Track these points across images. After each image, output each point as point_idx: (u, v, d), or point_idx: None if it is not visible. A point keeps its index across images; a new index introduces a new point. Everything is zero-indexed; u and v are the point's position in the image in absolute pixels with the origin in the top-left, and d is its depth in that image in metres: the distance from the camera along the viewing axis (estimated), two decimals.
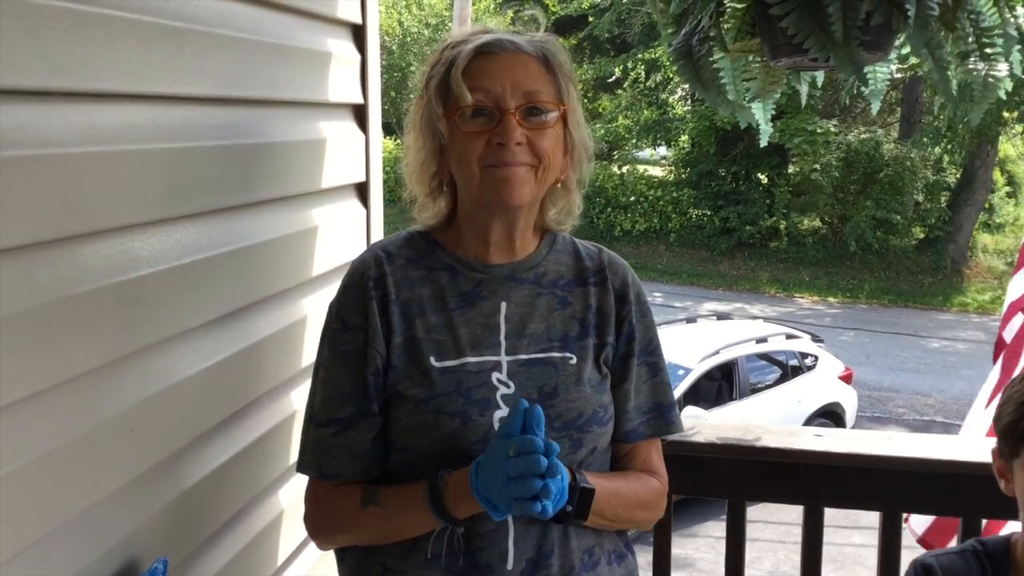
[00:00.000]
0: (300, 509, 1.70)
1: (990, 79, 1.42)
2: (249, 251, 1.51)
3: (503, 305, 1.31)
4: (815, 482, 1.81)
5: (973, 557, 1.42)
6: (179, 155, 1.32)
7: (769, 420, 8.04)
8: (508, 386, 1.27)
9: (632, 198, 18.53)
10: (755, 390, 8.66)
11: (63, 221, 1.08)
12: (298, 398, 1.71)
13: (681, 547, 6.71)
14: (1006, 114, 14.94)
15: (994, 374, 3.11)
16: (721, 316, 11.15)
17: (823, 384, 9.04)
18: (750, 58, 1.57)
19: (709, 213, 18.13)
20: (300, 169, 1.71)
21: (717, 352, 8.40)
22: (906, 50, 1.49)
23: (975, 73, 1.42)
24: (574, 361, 1.31)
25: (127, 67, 1.18)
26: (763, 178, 18.51)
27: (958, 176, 18.06)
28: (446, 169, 1.32)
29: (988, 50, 1.42)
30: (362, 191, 2.01)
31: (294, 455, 1.70)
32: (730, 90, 1.59)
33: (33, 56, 1.02)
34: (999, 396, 1.43)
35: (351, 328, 1.31)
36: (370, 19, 1.98)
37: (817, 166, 16.73)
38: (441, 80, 1.29)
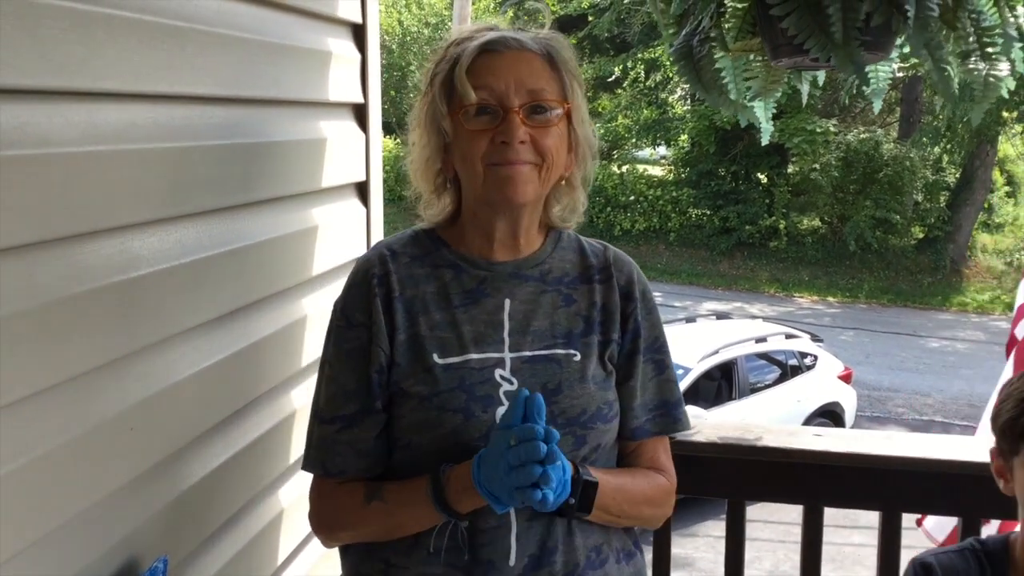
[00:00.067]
0: (300, 508, 1.70)
1: (991, 78, 1.42)
2: (249, 250, 1.51)
3: (507, 302, 1.32)
4: (815, 482, 1.81)
5: (972, 556, 1.42)
6: (180, 154, 1.32)
7: (768, 420, 8.04)
8: (511, 383, 1.27)
9: (632, 197, 18.54)
10: (754, 390, 8.66)
11: (63, 220, 1.08)
12: (298, 397, 1.71)
13: (681, 546, 6.72)
14: (1005, 114, 14.94)
15: (1007, 373, 3.11)
16: (720, 316, 11.16)
17: (822, 384, 9.04)
18: (751, 57, 1.57)
19: (708, 213, 18.13)
20: (300, 168, 1.71)
21: (716, 352, 8.40)
22: (907, 49, 1.49)
23: (976, 73, 1.43)
24: (578, 358, 1.31)
25: (128, 66, 1.18)
26: (763, 178, 18.51)
27: (957, 176, 18.06)
28: (450, 166, 1.32)
29: (989, 49, 1.42)
30: (362, 190, 2.01)
31: (294, 454, 1.71)
32: (731, 89, 1.59)
33: (34, 55, 1.02)
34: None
35: (355, 326, 1.31)
36: (370, 18, 1.98)
37: (816, 166, 16.73)
38: (445, 77, 1.29)
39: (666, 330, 1.43)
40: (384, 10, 20.50)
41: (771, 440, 1.80)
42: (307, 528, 1.76)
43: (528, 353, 1.29)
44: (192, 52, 1.32)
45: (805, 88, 1.68)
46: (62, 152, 1.07)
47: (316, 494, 1.35)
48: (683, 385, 7.84)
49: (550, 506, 1.15)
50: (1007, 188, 20.45)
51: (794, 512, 1.95)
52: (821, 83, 1.71)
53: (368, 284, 1.31)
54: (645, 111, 19.24)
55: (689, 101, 19.15)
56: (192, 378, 1.35)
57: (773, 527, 6.66)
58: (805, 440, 1.82)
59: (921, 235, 17.66)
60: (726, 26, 1.53)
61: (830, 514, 1.84)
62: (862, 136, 17.29)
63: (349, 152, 1.93)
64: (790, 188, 17.88)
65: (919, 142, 16.99)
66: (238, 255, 1.48)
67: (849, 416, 9.16)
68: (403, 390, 1.28)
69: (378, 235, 2.06)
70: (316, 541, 1.80)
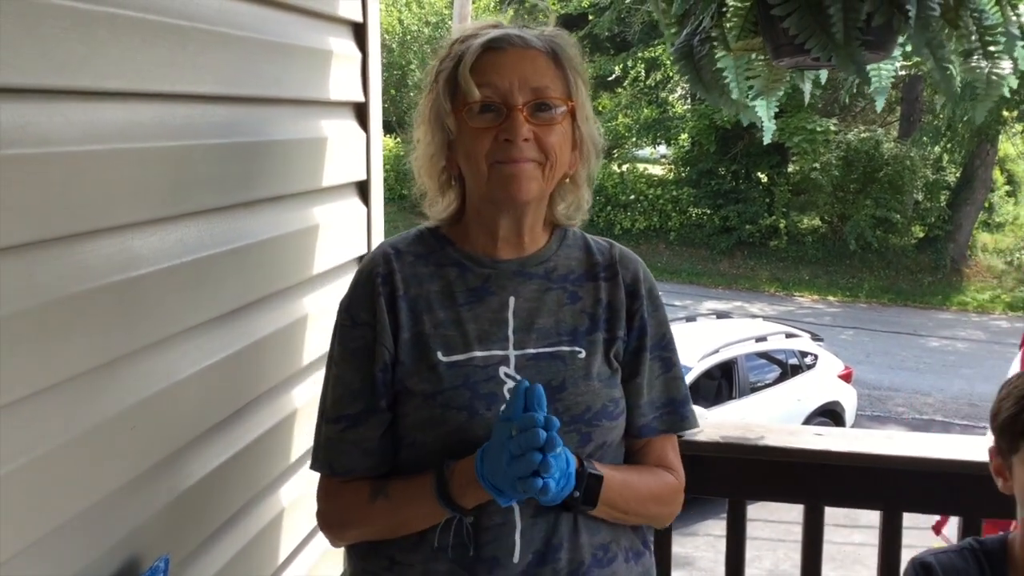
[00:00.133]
0: (301, 508, 1.70)
1: (993, 77, 1.42)
2: (250, 249, 1.51)
3: (511, 300, 1.32)
4: (815, 481, 1.81)
5: (971, 555, 1.42)
6: (181, 153, 1.31)
7: (769, 419, 8.03)
8: (516, 380, 1.27)
9: (632, 196, 18.52)
10: (755, 389, 8.65)
11: (64, 220, 1.08)
12: (299, 396, 1.71)
13: (681, 545, 6.72)
14: (1006, 113, 14.93)
15: (1015, 367, 3.11)
16: (721, 315, 11.15)
17: (823, 383, 9.04)
18: (753, 56, 1.57)
19: (709, 212, 18.12)
20: (301, 167, 1.71)
21: (717, 351, 8.39)
22: (909, 48, 1.49)
23: (978, 71, 1.43)
24: (583, 355, 1.31)
25: (129, 65, 1.18)
26: (763, 177, 18.50)
27: (958, 175, 18.05)
28: (455, 163, 1.33)
29: (991, 48, 1.42)
30: (363, 189, 2.01)
31: (295, 454, 1.71)
32: (733, 89, 1.59)
33: (35, 54, 1.02)
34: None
35: (360, 325, 1.31)
36: (371, 17, 1.98)
37: (817, 165, 16.72)
38: (449, 75, 1.29)
39: None
40: (384, 9, 20.49)
41: (772, 439, 1.80)
42: (308, 527, 1.77)
43: (532, 351, 1.29)
44: (193, 51, 1.32)
45: (807, 87, 1.68)
46: (63, 151, 1.07)
47: (323, 493, 1.35)
48: None
49: (551, 495, 1.14)
50: (1007, 187, 20.44)
51: (795, 511, 1.94)
52: (824, 82, 1.71)
53: (372, 283, 1.31)
54: (645, 110, 19.24)
55: (689, 100, 19.14)
56: (193, 377, 1.35)
57: (774, 526, 6.66)
58: (806, 439, 1.82)
59: (921, 234, 17.65)
60: (727, 25, 1.53)
61: (830, 513, 1.84)
62: (862, 135, 17.28)
63: (350, 151, 1.93)
64: (790, 187, 17.87)
65: (919, 141, 16.97)
66: (239, 254, 1.48)
67: (849, 415, 9.15)
68: (407, 388, 1.28)
69: (379, 234, 2.06)
70: (317, 540, 1.80)
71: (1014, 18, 1.44)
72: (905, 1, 1.34)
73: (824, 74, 1.68)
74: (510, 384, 1.27)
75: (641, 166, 19.86)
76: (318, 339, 1.73)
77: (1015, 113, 15.15)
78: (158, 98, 1.27)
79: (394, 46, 20.74)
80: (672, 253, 17.94)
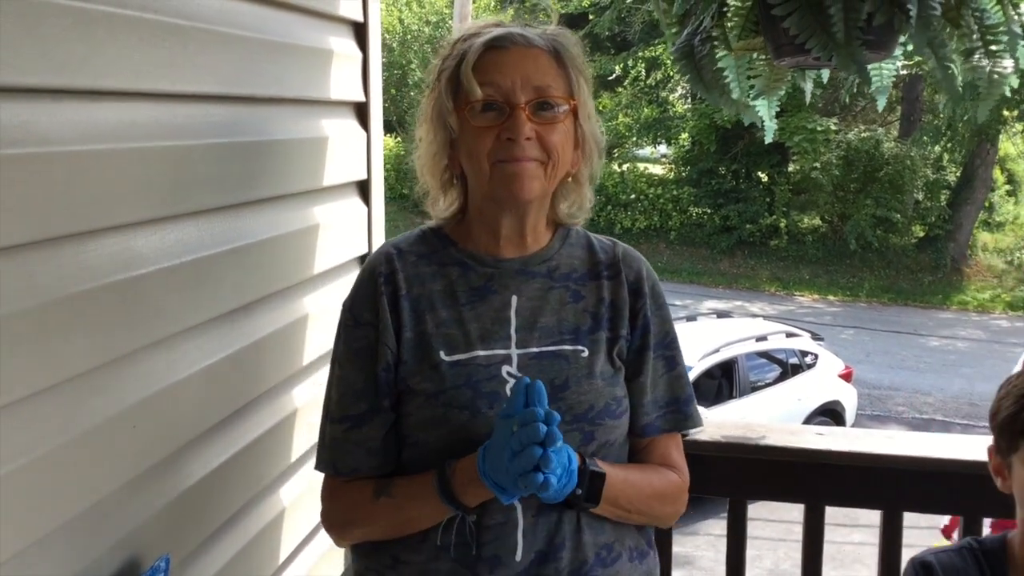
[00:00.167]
0: (301, 507, 1.70)
1: (995, 76, 1.42)
2: (250, 249, 1.51)
3: (514, 299, 1.32)
4: (816, 481, 1.80)
5: (970, 555, 1.42)
6: (181, 153, 1.31)
7: (769, 418, 8.03)
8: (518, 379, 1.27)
9: (632, 196, 18.53)
10: (755, 388, 8.65)
11: (64, 219, 1.08)
12: (300, 396, 1.71)
13: (681, 545, 6.72)
14: (1006, 112, 14.93)
15: (1020, 364, 3.12)
16: (721, 314, 11.16)
17: (823, 382, 9.04)
18: (754, 56, 1.57)
19: (709, 211, 18.12)
20: (302, 167, 1.71)
21: (717, 350, 8.39)
22: (911, 47, 1.49)
23: (980, 70, 1.42)
24: (586, 354, 1.31)
25: (129, 65, 1.18)
26: (763, 176, 18.50)
27: (958, 175, 18.05)
28: (457, 162, 1.33)
29: (993, 47, 1.42)
30: (363, 189, 2.01)
31: (295, 453, 1.71)
32: (734, 88, 1.59)
33: (35, 54, 1.02)
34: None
35: (362, 324, 1.31)
36: (371, 17, 1.97)
37: (817, 164, 16.72)
38: (452, 74, 1.29)
39: None
40: (385, 8, 20.49)
41: (773, 439, 1.80)
42: (308, 527, 1.77)
43: (535, 349, 1.29)
44: (194, 50, 1.32)
45: (808, 87, 1.68)
46: (63, 151, 1.07)
47: (327, 493, 1.35)
48: None
49: (553, 491, 1.14)
50: (1008, 187, 20.43)
51: (795, 511, 1.94)
52: (825, 81, 1.71)
53: (375, 283, 1.32)
54: (646, 109, 19.24)
55: (690, 99, 19.15)
56: (193, 377, 1.35)
57: (774, 526, 6.66)
58: (806, 439, 1.82)
59: (922, 234, 17.65)
60: (728, 25, 1.53)
61: (831, 513, 1.84)
62: (863, 135, 17.28)
63: (350, 150, 1.93)
64: (791, 187, 17.87)
65: (920, 141, 16.97)
66: (239, 253, 1.48)
67: (850, 415, 9.15)
68: (410, 388, 1.28)
69: (379, 234, 2.06)
70: (317, 540, 1.80)
71: (1015, 17, 1.44)
72: (906, 0, 1.34)
73: (825, 73, 1.68)
74: (512, 383, 1.27)
75: (641, 165, 19.87)
76: (319, 339, 1.73)
77: (1015, 112, 15.15)
78: (158, 98, 1.26)
79: (394, 45, 20.74)
80: (672, 252, 17.94)
